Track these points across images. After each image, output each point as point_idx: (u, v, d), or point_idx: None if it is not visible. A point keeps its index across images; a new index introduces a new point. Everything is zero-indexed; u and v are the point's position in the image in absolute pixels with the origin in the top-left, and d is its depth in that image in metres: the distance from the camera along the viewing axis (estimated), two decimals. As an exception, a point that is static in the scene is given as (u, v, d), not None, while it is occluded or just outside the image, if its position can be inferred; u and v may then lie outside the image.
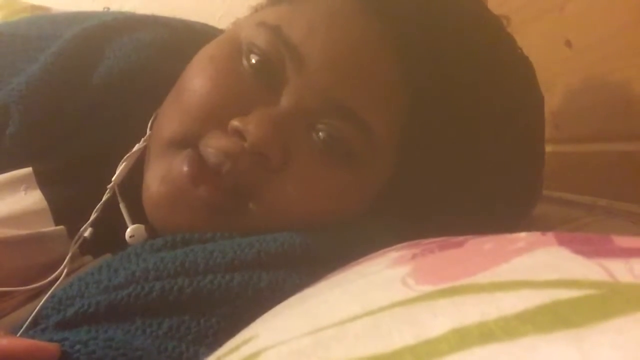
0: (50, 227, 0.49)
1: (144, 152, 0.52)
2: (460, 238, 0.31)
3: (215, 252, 0.45)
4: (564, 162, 0.72)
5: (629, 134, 0.64)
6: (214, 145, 0.46)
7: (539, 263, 0.21)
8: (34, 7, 0.98)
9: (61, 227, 0.49)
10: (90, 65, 0.55)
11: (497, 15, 0.53)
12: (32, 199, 0.50)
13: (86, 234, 0.49)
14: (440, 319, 0.18)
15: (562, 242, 0.23)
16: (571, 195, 0.71)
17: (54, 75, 0.54)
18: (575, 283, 0.18)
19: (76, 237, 0.48)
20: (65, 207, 0.51)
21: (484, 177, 0.51)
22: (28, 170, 0.51)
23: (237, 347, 0.24)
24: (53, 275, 0.47)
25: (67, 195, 0.51)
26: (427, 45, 0.47)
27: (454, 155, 0.49)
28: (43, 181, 0.51)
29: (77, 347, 0.38)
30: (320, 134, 0.47)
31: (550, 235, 0.25)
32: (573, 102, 0.71)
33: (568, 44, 0.70)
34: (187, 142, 0.47)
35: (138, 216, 0.50)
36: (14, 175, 0.51)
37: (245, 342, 0.24)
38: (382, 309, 0.20)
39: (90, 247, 0.50)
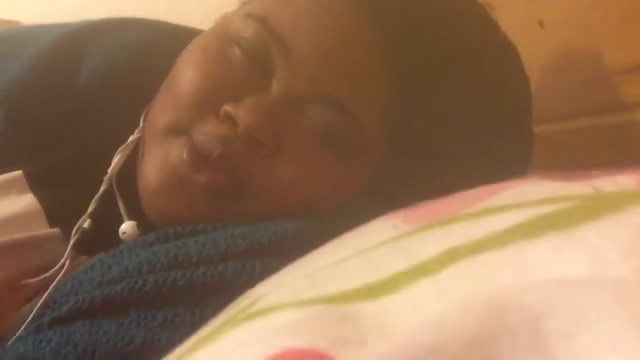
0: (44, 229, 0.49)
1: (137, 146, 0.52)
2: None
3: (208, 243, 0.45)
4: (543, 142, 0.73)
5: (604, 107, 0.65)
6: (205, 131, 0.47)
7: (527, 191, 0.22)
8: (4, 22, 0.98)
9: (56, 229, 0.49)
10: (75, 65, 0.55)
11: (481, 2, 0.54)
12: (24, 202, 0.50)
13: (85, 225, 0.49)
14: (430, 246, 0.19)
15: (546, 177, 0.24)
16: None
17: (38, 75, 0.54)
18: (563, 198, 0.19)
19: (75, 229, 0.48)
20: (59, 208, 0.50)
21: (473, 156, 0.51)
22: (18, 173, 0.51)
23: (236, 305, 0.24)
24: (53, 270, 0.47)
25: (60, 196, 0.51)
26: (411, 32, 0.48)
27: (441, 137, 0.50)
28: (34, 183, 0.51)
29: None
30: (311, 120, 0.48)
31: (533, 175, 0.26)
32: (548, 81, 0.72)
33: (541, 24, 0.71)
34: (180, 129, 0.48)
35: (134, 212, 0.50)
36: (4, 178, 0.50)
37: (243, 299, 0.24)
38: (372, 248, 0.21)
39: (85, 248, 0.49)
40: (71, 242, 0.48)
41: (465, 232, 0.19)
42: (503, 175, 0.54)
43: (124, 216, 0.51)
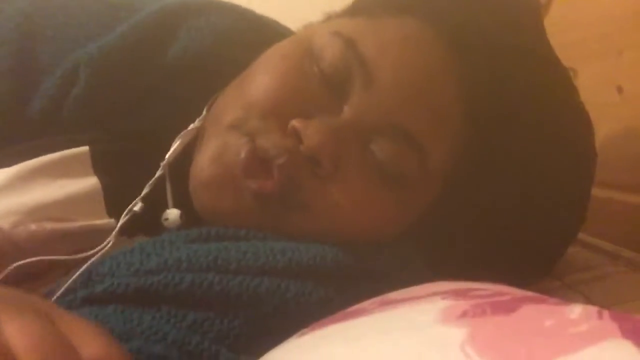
0: (101, 214, 0.50)
1: (196, 135, 0.52)
2: (509, 298, 0.31)
3: (249, 253, 0.46)
4: (595, 205, 0.72)
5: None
6: (272, 140, 0.47)
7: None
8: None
9: (112, 220, 0.50)
10: (164, 43, 0.55)
11: (565, 67, 0.53)
12: (86, 182, 0.50)
13: (136, 208, 0.49)
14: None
15: (626, 334, 0.23)
16: (597, 241, 0.71)
17: (127, 46, 0.54)
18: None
19: (126, 211, 0.49)
20: (117, 192, 0.51)
21: (527, 218, 0.51)
22: (84, 149, 0.51)
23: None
24: (96, 249, 0.47)
25: (119, 179, 0.51)
26: (493, 82, 0.47)
27: (498, 193, 0.49)
28: (98, 163, 0.51)
29: None
30: (374, 151, 0.47)
31: (609, 320, 0.25)
32: (613, 149, 0.70)
33: (619, 89, 0.69)
34: (246, 130, 0.48)
35: (181, 200, 0.50)
36: (70, 153, 0.51)
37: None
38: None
39: (126, 228, 0.50)
40: (120, 223, 0.48)
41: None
42: (551, 240, 0.55)
43: (170, 203, 0.51)
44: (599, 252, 0.68)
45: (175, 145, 0.51)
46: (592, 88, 0.70)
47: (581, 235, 0.72)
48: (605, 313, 0.27)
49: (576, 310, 0.27)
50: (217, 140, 0.49)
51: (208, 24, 0.57)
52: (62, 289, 0.44)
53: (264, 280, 0.45)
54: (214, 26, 0.57)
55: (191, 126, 0.52)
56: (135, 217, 0.49)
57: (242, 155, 0.47)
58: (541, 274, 0.57)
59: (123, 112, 0.54)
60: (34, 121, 0.53)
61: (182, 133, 0.52)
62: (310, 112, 0.47)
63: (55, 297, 0.44)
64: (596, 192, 0.69)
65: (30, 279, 0.47)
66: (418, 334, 0.26)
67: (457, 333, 0.25)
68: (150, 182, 0.50)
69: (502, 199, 0.50)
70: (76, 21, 0.55)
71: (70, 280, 0.45)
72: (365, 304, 0.35)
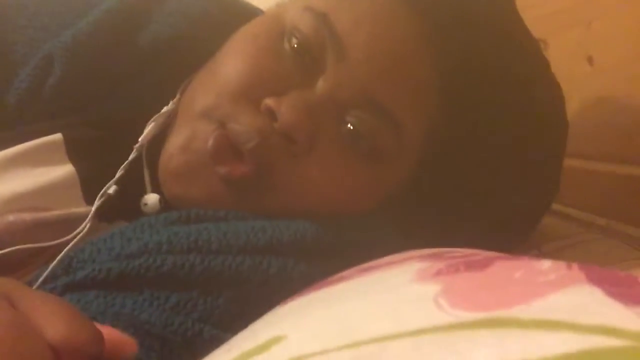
0: (79, 202, 0.50)
1: (169, 118, 0.52)
2: (483, 257, 0.31)
3: (229, 233, 0.46)
4: (568, 176, 0.73)
5: (637, 158, 0.65)
6: (244, 122, 0.47)
7: (576, 304, 0.22)
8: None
9: (90, 208, 0.49)
10: (138, 27, 0.55)
11: (536, 39, 0.54)
12: (61, 170, 0.50)
13: (110, 191, 0.49)
14: (482, 351, 0.19)
15: (593, 281, 0.24)
16: (571, 210, 0.72)
17: (101, 32, 0.54)
18: (614, 331, 0.19)
19: (100, 194, 0.49)
20: (94, 179, 0.51)
21: (501, 190, 0.52)
22: (58, 137, 0.51)
23: (266, 346, 0.24)
24: (73, 234, 0.47)
25: (96, 166, 0.51)
26: (465, 56, 0.48)
27: (475, 165, 0.50)
28: (72, 150, 0.51)
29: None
30: (349, 125, 0.48)
31: (577, 270, 0.26)
32: (585, 119, 0.72)
33: (590, 60, 0.70)
34: (215, 116, 0.48)
35: (159, 186, 0.51)
36: (43, 142, 0.51)
37: (275, 341, 0.25)
38: (420, 332, 0.21)
39: (105, 214, 0.50)
40: (95, 206, 0.48)
41: (518, 345, 0.19)
42: (522, 221, 0.56)
43: (148, 187, 0.51)
44: (573, 220, 0.70)
45: (148, 128, 0.51)
46: (562, 59, 0.71)
47: (555, 205, 0.73)
48: (574, 265, 0.27)
49: (546, 264, 0.28)
50: (186, 129, 0.49)
51: (181, 6, 0.57)
52: (43, 277, 0.44)
53: (246, 259, 0.45)
54: (187, 8, 0.57)
55: (164, 109, 0.52)
56: (114, 202, 0.49)
57: (210, 142, 0.47)
58: (516, 243, 0.58)
59: (99, 99, 0.54)
60: (11, 113, 0.53)
61: (155, 116, 0.52)
62: (284, 91, 0.48)
63: (36, 285, 0.44)
64: (569, 162, 0.70)
65: (10, 270, 0.47)
66: (394, 292, 0.27)
67: (431, 289, 0.26)
68: (124, 164, 0.50)
69: (477, 171, 0.51)
70: (49, 9, 0.55)
71: (50, 267, 0.45)
72: (344, 272, 0.36)
